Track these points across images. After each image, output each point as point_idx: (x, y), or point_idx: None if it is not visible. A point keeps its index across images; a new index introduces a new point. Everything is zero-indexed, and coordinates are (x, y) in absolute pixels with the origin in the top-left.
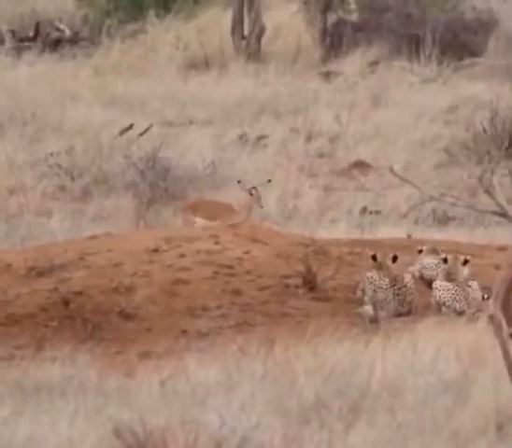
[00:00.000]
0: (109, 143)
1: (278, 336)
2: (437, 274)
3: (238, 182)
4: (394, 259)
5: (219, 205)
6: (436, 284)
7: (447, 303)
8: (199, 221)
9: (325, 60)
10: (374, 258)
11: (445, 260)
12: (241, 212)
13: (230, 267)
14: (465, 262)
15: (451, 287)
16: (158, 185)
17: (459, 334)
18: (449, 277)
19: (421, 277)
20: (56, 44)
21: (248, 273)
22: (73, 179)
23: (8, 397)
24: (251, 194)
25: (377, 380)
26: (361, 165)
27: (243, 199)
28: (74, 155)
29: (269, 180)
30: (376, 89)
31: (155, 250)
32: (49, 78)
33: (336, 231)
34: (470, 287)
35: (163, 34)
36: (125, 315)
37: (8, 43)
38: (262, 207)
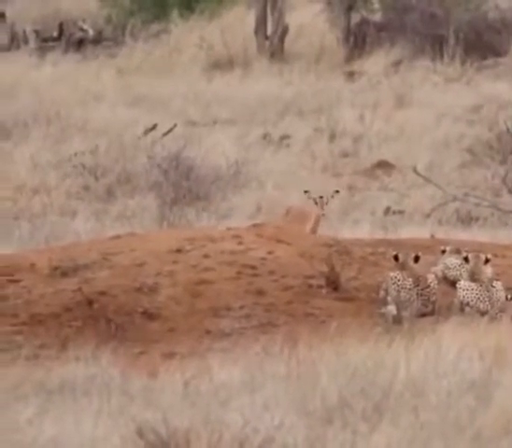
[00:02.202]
0: (133, 143)
1: (302, 336)
2: (461, 275)
3: (305, 192)
4: (416, 259)
5: (298, 213)
6: (460, 284)
7: (470, 303)
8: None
9: (349, 59)
10: (396, 258)
11: (466, 259)
12: (310, 221)
13: (253, 267)
14: (487, 261)
15: (475, 287)
16: (181, 185)
17: (482, 334)
18: (473, 277)
19: (445, 277)
20: (80, 44)
21: (272, 273)
22: (97, 179)
23: (33, 396)
24: (316, 203)
25: (401, 380)
26: (384, 165)
27: (314, 208)
28: (98, 155)
29: (337, 191)
30: (400, 88)
31: (179, 250)
32: (72, 78)
33: (360, 231)
34: (494, 287)
35: (187, 33)
36: (149, 316)
37: (32, 43)
38: (323, 215)
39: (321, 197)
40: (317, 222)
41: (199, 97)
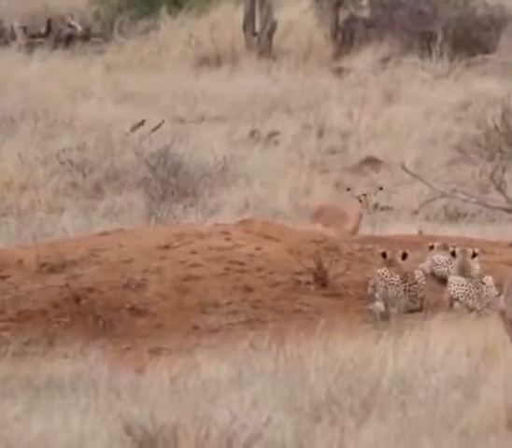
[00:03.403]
0: (121, 139)
1: (290, 332)
2: (448, 271)
3: (348, 190)
4: (404, 256)
5: (335, 212)
6: (451, 278)
7: (460, 299)
8: (318, 228)
9: (337, 56)
10: (383, 255)
11: (453, 254)
12: (352, 220)
13: (241, 263)
14: (474, 255)
15: (466, 282)
16: (169, 181)
17: (470, 331)
18: (462, 272)
19: (432, 274)
20: (68, 40)
21: (260, 269)
22: (84, 175)
23: (20, 393)
24: (360, 201)
25: (388, 376)
26: (372, 162)
27: (353, 206)
28: (85, 151)
29: (381, 188)
30: (388, 85)
31: (166, 246)
32: (60, 75)
33: None
34: (484, 283)
35: (176, 30)
36: (136, 312)
37: (20, 39)
38: (369, 213)
39: (365, 194)
40: (359, 221)
41: (187, 94)
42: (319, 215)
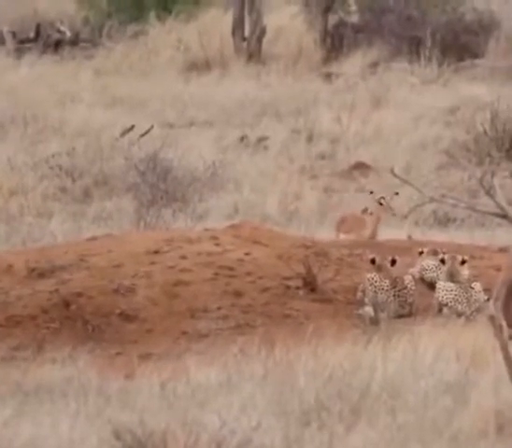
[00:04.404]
0: (110, 144)
1: (279, 337)
2: (438, 276)
3: (371, 193)
4: (393, 262)
5: (354, 220)
6: (440, 284)
7: (449, 304)
8: (341, 236)
9: (326, 61)
10: (372, 261)
11: (442, 261)
12: (370, 225)
13: (230, 268)
14: (463, 262)
15: (454, 288)
16: (158, 186)
17: (459, 336)
18: (451, 278)
19: (422, 279)
20: (57, 45)
21: (249, 274)
22: (74, 180)
23: (9, 398)
24: (381, 204)
25: (378, 381)
26: (361, 167)
27: (373, 210)
28: (75, 156)
29: (396, 193)
30: (377, 90)
31: (156, 252)
32: (49, 80)
33: None
34: (473, 288)
35: (164, 35)
36: (126, 317)
37: (9, 44)
38: (394, 215)
39: (383, 197)
40: (377, 225)
41: (176, 99)
42: (340, 224)
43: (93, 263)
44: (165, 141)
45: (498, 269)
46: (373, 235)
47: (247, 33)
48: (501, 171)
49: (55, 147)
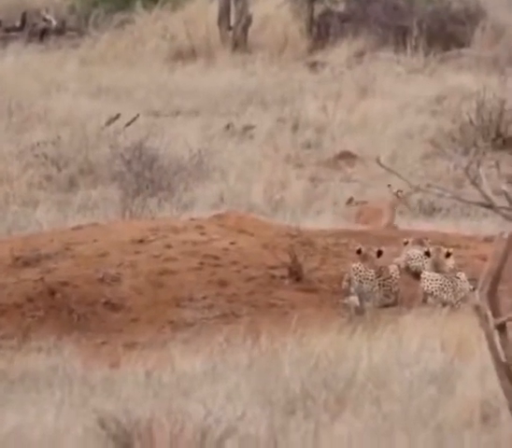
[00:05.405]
0: (96, 133)
1: (264, 327)
2: (423, 266)
3: (389, 186)
4: (379, 253)
5: (372, 210)
6: (425, 274)
7: (434, 293)
8: (359, 227)
9: (312, 50)
10: (358, 252)
11: (427, 254)
12: (386, 215)
13: (216, 258)
14: (448, 255)
15: (439, 277)
16: (144, 175)
17: (444, 325)
18: (436, 268)
19: (407, 268)
20: (43, 34)
21: (234, 263)
22: (59, 169)
23: None
24: (398, 197)
25: (363, 371)
26: (347, 156)
27: (388, 202)
28: (60, 145)
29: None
30: (363, 79)
31: (141, 241)
32: (35, 69)
33: (323, 221)
34: (458, 278)
35: (151, 24)
36: (111, 306)
37: None
38: (413, 210)
39: (400, 191)
40: (392, 215)
41: (162, 87)
42: (359, 215)
43: (79, 252)
44: (151, 130)
45: (483, 258)
46: (389, 225)
47: (233, 22)
48: (486, 160)
49: (40, 135)
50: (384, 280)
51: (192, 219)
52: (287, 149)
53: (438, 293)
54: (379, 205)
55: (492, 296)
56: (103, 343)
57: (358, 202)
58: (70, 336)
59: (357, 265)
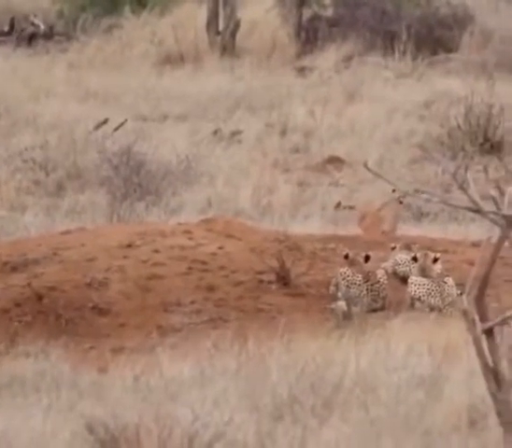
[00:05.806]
0: (84, 138)
1: (252, 332)
2: (410, 270)
3: (393, 191)
4: (366, 258)
5: (374, 216)
6: (412, 279)
7: (421, 298)
8: (361, 232)
9: (300, 55)
10: (346, 257)
11: (414, 259)
12: (388, 221)
13: (204, 262)
14: (435, 260)
15: (427, 282)
16: (132, 180)
17: (432, 330)
18: (423, 273)
19: (395, 273)
20: (31, 39)
21: (222, 268)
22: (47, 174)
23: None
24: (401, 203)
25: (350, 376)
26: (335, 160)
27: (391, 207)
28: (48, 150)
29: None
30: (351, 84)
31: (129, 245)
32: (23, 73)
33: (310, 226)
34: (446, 283)
35: (139, 29)
36: (99, 311)
37: None
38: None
39: (403, 196)
40: (395, 221)
41: (150, 92)
42: (361, 220)
43: (66, 257)
44: (139, 135)
45: (471, 263)
46: (391, 231)
47: (221, 27)
48: (474, 165)
49: (29, 140)
50: (372, 285)
51: (180, 224)
52: (275, 154)
53: (426, 298)
54: (382, 212)
55: (480, 301)
56: (91, 347)
57: (345, 206)
58: (58, 341)
59: (345, 270)
